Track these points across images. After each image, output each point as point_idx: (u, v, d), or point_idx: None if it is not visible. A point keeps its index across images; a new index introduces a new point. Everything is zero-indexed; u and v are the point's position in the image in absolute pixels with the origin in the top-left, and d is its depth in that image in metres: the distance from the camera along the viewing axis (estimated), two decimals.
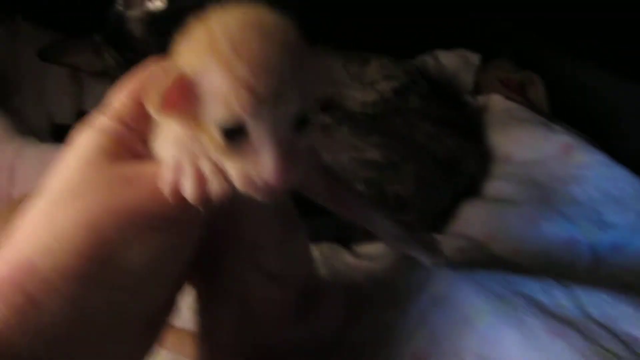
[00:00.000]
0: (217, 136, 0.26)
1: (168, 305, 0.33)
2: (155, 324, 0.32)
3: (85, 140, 0.28)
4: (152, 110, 0.25)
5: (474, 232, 0.65)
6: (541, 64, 0.92)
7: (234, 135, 0.25)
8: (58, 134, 0.89)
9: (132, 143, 0.28)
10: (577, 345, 0.38)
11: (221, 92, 0.25)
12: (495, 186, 0.73)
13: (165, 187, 0.26)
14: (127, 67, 0.79)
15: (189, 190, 0.26)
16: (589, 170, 0.67)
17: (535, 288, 0.46)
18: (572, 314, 0.41)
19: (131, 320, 0.28)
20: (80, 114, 0.93)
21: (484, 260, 0.60)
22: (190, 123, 0.26)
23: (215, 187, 0.26)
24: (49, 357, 0.24)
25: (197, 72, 0.26)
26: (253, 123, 0.25)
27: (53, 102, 0.93)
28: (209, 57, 0.25)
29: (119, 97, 0.29)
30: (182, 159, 0.27)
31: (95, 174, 0.27)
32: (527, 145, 0.75)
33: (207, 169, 0.26)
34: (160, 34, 0.79)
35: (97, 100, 0.93)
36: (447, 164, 0.69)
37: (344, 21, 0.99)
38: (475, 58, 1.01)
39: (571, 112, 0.83)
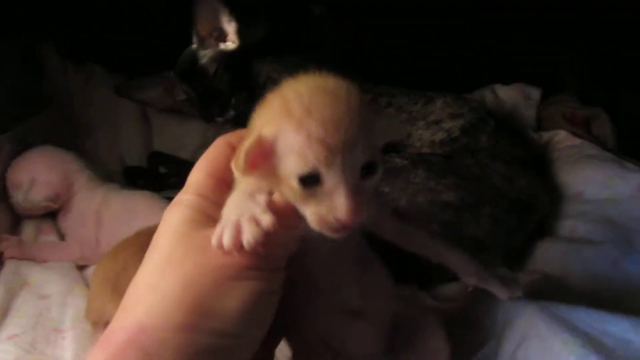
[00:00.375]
0: (295, 186, 0.30)
1: (266, 354, 0.37)
2: None
3: (174, 215, 0.33)
4: (237, 170, 0.30)
5: (551, 271, 0.64)
6: (606, 100, 0.91)
7: (310, 184, 0.30)
8: (129, 176, 0.93)
9: (212, 211, 0.32)
10: None
11: (298, 147, 0.29)
12: (568, 225, 0.72)
13: (214, 242, 0.30)
14: (198, 101, 0.84)
15: (225, 239, 0.29)
16: None
17: (625, 326, 0.45)
18: None
19: None
20: (150, 156, 0.96)
21: (563, 296, 0.59)
22: (270, 179, 0.31)
23: (247, 234, 0.29)
24: None
25: (274, 133, 0.30)
26: (327, 171, 0.29)
27: (124, 144, 0.97)
28: (285, 118, 0.30)
29: (197, 175, 0.34)
30: (232, 215, 0.30)
31: (186, 242, 0.31)
32: (600, 183, 0.75)
33: (245, 220, 0.29)
34: (231, 71, 0.83)
35: (165, 141, 0.98)
36: (521, 204, 0.69)
37: (402, 57, 1.02)
38: (536, 93, 1.01)
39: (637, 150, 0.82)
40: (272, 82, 0.84)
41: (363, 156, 0.30)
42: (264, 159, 0.30)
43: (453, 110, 0.80)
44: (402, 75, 0.91)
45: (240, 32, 0.84)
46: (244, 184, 0.33)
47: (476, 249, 0.64)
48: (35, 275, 0.64)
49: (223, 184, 0.33)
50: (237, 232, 0.29)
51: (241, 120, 0.83)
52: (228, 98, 0.83)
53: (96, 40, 1.02)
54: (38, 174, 0.73)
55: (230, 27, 0.84)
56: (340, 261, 0.38)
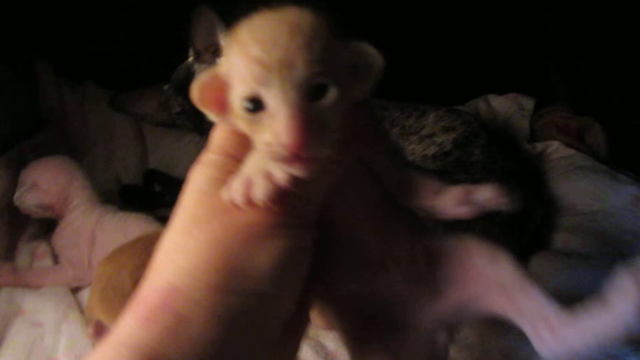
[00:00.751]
0: (241, 112, 0.28)
1: (301, 315, 0.36)
2: (291, 332, 0.34)
3: (198, 175, 0.32)
4: (198, 106, 0.30)
5: (545, 287, 0.65)
6: (600, 110, 0.91)
7: (254, 109, 0.28)
8: (125, 195, 0.93)
9: (237, 170, 0.31)
10: None
11: (239, 70, 0.28)
12: (561, 238, 0.72)
13: (224, 195, 0.29)
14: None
15: (237, 194, 0.29)
16: None
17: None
18: None
19: (269, 325, 0.31)
20: (146, 174, 0.97)
21: None
22: (228, 113, 0.30)
23: (258, 190, 0.28)
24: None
25: (228, 65, 0.29)
26: (265, 92, 0.28)
27: (120, 163, 0.97)
28: (234, 46, 0.29)
29: (221, 133, 0.33)
30: (253, 173, 0.29)
31: (212, 202, 0.30)
32: (593, 195, 0.75)
33: (257, 176, 0.29)
34: None
35: (161, 157, 0.98)
36: (514, 218, 0.69)
37: (395, 68, 1.02)
38: (529, 103, 1.01)
39: (633, 160, 0.82)
40: None
41: (308, 75, 0.28)
42: (223, 92, 0.30)
43: (445, 124, 0.80)
44: (395, 87, 0.91)
45: None
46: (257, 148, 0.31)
47: None
48: (30, 302, 0.64)
49: (247, 141, 0.31)
50: (248, 186, 0.28)
51: None
52: None
53: (91, 57, 1.03)
54: (41, 179, 0.74)
55: (225, 40, 0.85)
56: (353, 208, 0.37)
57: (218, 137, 0.33)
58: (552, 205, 0.79)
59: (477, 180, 0.71)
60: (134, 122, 1.01)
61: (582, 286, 0.63)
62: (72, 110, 0.97)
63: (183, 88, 0.85)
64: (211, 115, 0.31)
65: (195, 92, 0.30)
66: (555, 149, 0.88)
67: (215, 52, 0.86)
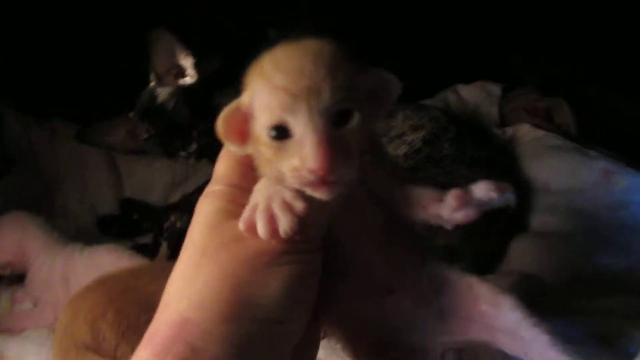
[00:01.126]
0: (267, 140, 0.29)
1: (312, 337, 0.37)
2: (302, 353, 0.35)
3: (206, 207, 0.32)
4: (222, 139, 0.31)
5: (526, 268, 0.65)
6: (566, 89, 0.92)
7: (280, 136, 0.29)
8: (103, 225, 0.93)
9: (244, 200, 0.31)
10: None
11: (265, 100, 0.29)
12: (538, 219, 0.73)
13: (242, 227, 0.29)
14: (160, 138, 0.84)
15: (260, 228, 0.29)
16: (633, 195, 0.67)
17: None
18: None
19: (281, 349, 0.31)
20: (122, 203, 0.96)
21: (542, 294, 0.59)
22: (248, 144, 0.31)
23: (283, 223, 0.28)
24: None
25: (250, 96, 0.30)
26: (293, 119, 0.28)
27: (95, 194, 0.96)
28: (257, 77, 0.30)
29: (224, 163, 0.34)
30: (259, 201, 0.30)
31: (220, 233, 0.31)
32: (565, 174, 0.75)
33: (277, 207, 0.29)
34: (190, 105, 0.84)
35: (135, 184, 0.98)
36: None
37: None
38: (496, 89, 1.02)
39: (600, 136, 0.83)
40: None
41: (334, 102, 0.29)
42: (245, 123, 0.31)
43: (414, 122, 0.80)
44: None
45: (197, 66, 0.85)
46: (264, 168, 0.31)
47: (451, 259, 0.65)
48: (12, 348, 0.63)
49: (252, 170, 0.32)
50: (271, 219, 0.29)
51: (205, 153, 0.84)
52: (189, 131, 0.83)
53: (55, 93, 1.02)
54: None
55: (187, 63, 0.85)
56: (358, 230, 0.37)
57: (222, 168, 0.34)
58: (526, 187, 0.79)
59: (448, 173, 0.71)
60: (105, 153, 1.00)
61: (562, 265, 0.64)
62: (41, 147, 0.97)
63: (148, 113, 0.85)
64: (232, 147, 0.32)
65: (220, 125, 0.31)
66: (525, 132, 0.88)
67: (177, 74, 0.85)
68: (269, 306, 0.29)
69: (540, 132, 0.86)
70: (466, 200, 0.34)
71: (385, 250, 0.38)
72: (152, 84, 0.86)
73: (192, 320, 0.28)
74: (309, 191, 0.29)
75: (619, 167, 0.71)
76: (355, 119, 0.29)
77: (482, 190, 0.34)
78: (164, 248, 0.80)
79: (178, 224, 0.80)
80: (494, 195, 0.34)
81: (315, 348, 0.38)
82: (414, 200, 0.36)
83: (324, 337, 0.55)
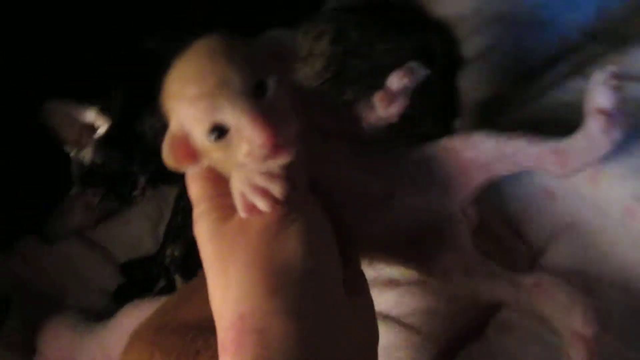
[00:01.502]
0: (213, 145, 0.32)
1: (353, 272, 0.40)
2: (353, 288, 0.37)
3: (201, 227, 0.35)
4: (175, 167, 0.33)
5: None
6: None
7: (221, 135, 0.31)
8: (120, 297, 0.91)
9: (226, 202, 0.35)
10: None
11: (190, 116, 0.32)
12: (471, 46, 0.73)
13: (243, 213, 0.33)
14: (109, 192, 0.83)
15: (262, 206, 0.32)
16: None
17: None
18: None
19: (330, 293, 0.34)
20: (123, 268, 0.95)
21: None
22: (199, 159, 0.33)
23: (276, 190, 0.32)
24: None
25: (177, 119, 0.33)
26: (221, 116, 0.31)
27: (95, 282, 0.95)
28: (172, 101, 0.33)
29: (194, 185, 0.37)
30: (244, 188, 0.33)
31: (224, 235, 0.34)
32: None
33: (261, 182, 0.32)
34: (117, 148, 0.84)
35: (124, 250, 0.95)
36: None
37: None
38: None
39: None
40: (159, 131, 0.83)
41: (244, 82, 0.31)
42: (187, 144, 0.33)
43: (314, 33, 0.80)
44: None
45: (103, 111, 0.83)
46: (228, 167, 0.34)
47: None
48: None
49: (217, 178, 0.35)
50: (264, 192, 0.32)
51: (157, 179, 0.85)
52: (131, 171, 0.83)
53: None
54: None
55: (91, 116, 0.83)
56: (338, 167, 0.41)
57: (195, 190, 0.37)
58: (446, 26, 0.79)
59: (367, 56, 0.71)
60: (84, 238, 0.99)
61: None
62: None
63: (86, 180, 0.84)
64: (187, 169, 0.34)
65: (167, 158, 0.33)
66: None
67: (89, 131, 0.84)
68: (297, 263, 0.32)
69: None
70: (388, 97, 0.38)
71: (366, 167, 0.41)
72: (73, 153, 0.84)
73: (245, 313, 0.31)
74: (271, 163, 0.32)
75: None
76: (271, 85, 0.32)
77: (394, 81, 0.38)
78: (178, 280, 0.81)
79: (176, 253, 0.81)
80: (406, 80, 0.38)
81: (362, 280, 0.40)
82: (358, 117, 0.41)
83: None
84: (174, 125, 0.33)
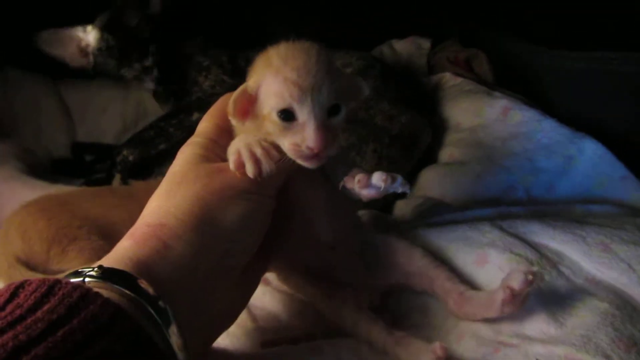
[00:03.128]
0: (275, 119, 0.39)
1: (256, 270, 0.46)
2: (247, 280, 0.44)
3: (186, 151, 0.42)
4: (231, 116, 0.40)
5: (431, 193, 0.75)
6: (483, 42, 1.02)
7: (286, 118, 0.38)
8: (57, 168, 0.98)
9: (217, 151, 0.42)
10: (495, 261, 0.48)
11: (276, 89, 0.38)
12: (447, 152, 0.82)
13: (231, 165, 0.39)
14: (118, 47, 0.88)
15: (249, 168, 0.38)
16: (524, 127, 0.77)
17: (465, 227, 0.56)
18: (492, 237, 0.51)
19: (231, 267, 0.40)
20: (73, 147, 1.02)
21: (440, 212, 0.69)
22: (257, 123, 0.40)
23: (265, 165, 0.38)
24: (177, 283, 0.36)
25: (257, 82, 0.40)
26: (299, 107, 0.38)
27: (48, 138, 1.02)
28: (266, 68, 0.40)
29: (205, 123, 0.44)
30: (242, 148, 0.39)
31: (197, 169, 0.40)
32: (473, 113, 0.85)
33: (259, 153, 0.38)
34: (151, 24, 0.91)
35: (88, 131, 1.02)
36: (402, 138, 0.79)
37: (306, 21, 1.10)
38: (426, 43, 1.11)
39: (510, 79, 0.93)
40: (197, 66, 0.92)
41: (329, 99, 0.39)
42: (250, 105, 0.40)
43: (343, 61, 0.88)
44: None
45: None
46: (242, 133, 0.42)
47: None
48: None
49: (225, 131, 0.43)
50: (257, 162, 0.38)
51: (164, 80, 0.92)
52: (146, 45, 0.89)
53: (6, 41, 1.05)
54: None
55: (82, 33, 0.90)
56: (314, 199, 0.46)
57: (203, 126, 0.44)
58: (442, 127, 0.89)
59: (369, 108, 0.80)
60: (59, 100, 1.05)
61: (460, 184, 0.74)
62: None
63: (110, 25, 0.89)
64: (234, 122, 0.41)
65: (231, 104, 0.40)
66: (447, 79, 0.98)
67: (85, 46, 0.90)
68: (226, 226, 0.38)
69: (458, 79, 0.96)
70: (365, 183, 0.42)
71: (329, 215, 0.47)
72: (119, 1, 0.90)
73: (167, 225, 0.37)
74: (301, 161, 0.39)
75: (517, 104, 0.81)
76: (342, 112, 0.41)
77: (376, 178, 0.42)
78: (117, 179, 0.87)
79: (130, 157, 0.87)
80: (382, 183, 0.41)
81: (256, 283, 0.47)
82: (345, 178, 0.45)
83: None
84: (251, 84, 0.40)
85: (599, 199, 0.65)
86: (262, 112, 0.40)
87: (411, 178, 0.80)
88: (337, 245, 0.49)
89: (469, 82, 0.93)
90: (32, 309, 0.29)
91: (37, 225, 0.56)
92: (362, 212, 0.66)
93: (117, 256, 0.36)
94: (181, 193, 0.38)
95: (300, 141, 0.38)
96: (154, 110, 1.03)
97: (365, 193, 0.42)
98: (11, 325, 0.28)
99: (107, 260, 0.35)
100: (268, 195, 0.42)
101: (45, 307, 0.29)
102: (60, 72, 1.05)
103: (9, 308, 0.29)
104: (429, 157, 0.84)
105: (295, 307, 0.54)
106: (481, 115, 0.84)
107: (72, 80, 1.06)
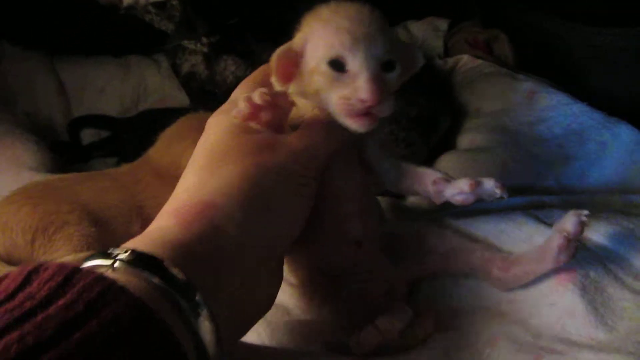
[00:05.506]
0: (324, 69, 0.35)
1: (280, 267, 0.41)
2: (281, 267, 0.40)
3: (223, 120, 0.38)
4: (274, 80, 0.37)
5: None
6: (507, 22, 0.96)
7: (336, 68, 0.35)
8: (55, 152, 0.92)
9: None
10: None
11: (325, 38, 0.35)
12: (467, 138, 0.77)
13: (233, 112, 0.36)
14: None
15: (243, 109, 0.35)
16: (552, 111, 0.71)
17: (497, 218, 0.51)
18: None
19: (276, 253, 0.37)
20: (70, 125, 0.96)
21: None
22: (300, 83, 0.37)
23: (256, 97, 0.34)
24: (223, 272, 0.32)
25: (303, 38, 0.37)
26: (351, 56, 0.35)
27: (44, 118, 0.96)
28: (314, 21, 0.37)
29: (240, 89, 0.41)
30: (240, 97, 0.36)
31: (240, 142, 0.36)
32: (495, 97, 0.79)
33: (258, 99, 0.35)
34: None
35: (84, 112, 0.96)
36: (421, 121, 0.73)
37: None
38: (443, 24, 1.05)
39: (536, 61, 0.87)
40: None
41: (384, 52, 0.35)
42: (294, 67, 0.37)
43: None
44: None
45: None
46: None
47: None
48: None
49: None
50: (255, 107, 0.35)
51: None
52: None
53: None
54: None
55: None
56: (349, 186, 0.42)
57: (239, 93, 0.40)
58: (461, 111, 0.83)
59: None
60: (55, 79, 0.99)
61: (485, 171, 0.68)
62: None
63: None
64: (275, 81, 0.37)
65: (273, 60, 0.36)
66: (465, 62, 0.92)
67: None
68: (277, 208, 0.35)
69: (478, 62, 0.90)
70: (475, 189, 0.39)
71: (361, 209, 0.43)
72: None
73: (217, 204, 0.33)
74: (348, 121, 0.35)
75: (543, 87, 0.75)
76: (397, 70, 0.36)
77: (490, 185, 0.39)
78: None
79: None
80: (498, 192, 0.39)
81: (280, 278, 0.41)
82: (411, 175, 0.42)
83: None
84: (297, 40, 0.37)
85: (637, 189, 0.59)
86: (309, 68, 0.36)
87: (428, 165, 0.74)
88: (364, 241, 0.44)
89: (490, 64, 0.87)
90: (45, 303, 0.23)
91: (20, 213, 0.51)
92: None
93: (155, 237, 0.31)
94: (228, 168, 0.34)
95: (351, 93, 0.34)
96: (156, 89, 0.98)
97: (462, 199, 0.40)
98: (19, 321, 0.22)
99: (143, 241, 0.30)
100: (313, 177, 0.38)
101: (61, 302, 0.23)
102: (57, 47, 1.01)
103: (18, 298, 0.24)
104: (445, 144, 0.79)
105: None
106: (504, 100, 0.78)
107: (69, 58, 1.01)
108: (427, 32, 1.06)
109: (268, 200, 0.35)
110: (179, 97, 0.96)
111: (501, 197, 0.39)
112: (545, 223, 0.46)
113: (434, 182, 0.41)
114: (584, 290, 0.40)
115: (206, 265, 0.30)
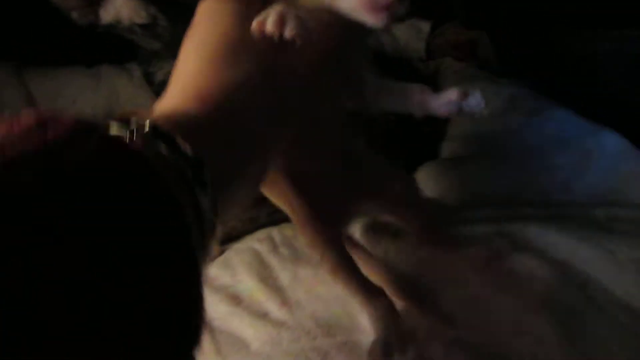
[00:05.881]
0: None
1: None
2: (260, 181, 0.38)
3: (225, 6, 0.35)
4: None
5: (429, 193, 0.67)
6: (488, 23, 0.93)
7: None
8: None
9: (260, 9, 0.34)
10: None
11: None
12: (448, 146, 0.74)
13: (253, 24, 0.33)
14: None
15: (269, 25, 0.32)
16: (534, 117, 0.68)
17: None
18: None
19: (284, 134, 0.36)
20: None
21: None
22: None
23: (291, 25, 0.32)
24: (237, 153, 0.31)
25: None
26: None
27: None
28: None
29: None
30: (287, 13, 0.33)
31: (248, 34, 0.33)
32: None
33: (289, 15, 0.33)
34: None
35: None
36: (400, 130, 0.71)
37: None
38: (426, 26, 1.02)
39: (519, 63, 0.84)
40: None
41: None
42: None
43: None
44: None
45: None
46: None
47: None
48: None
49: None
50: (281, 21, 0.32)
51: None
52: None
53: None
54: None
55: None
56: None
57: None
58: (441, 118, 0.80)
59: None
60: (24, 91, 0.96)
61: (464, 183, 0.65)
62: None
63: None
64: None
65: None
66: (448, 65, 0.89)
67: None
68: (294, 99, 0.34)
69: (461, 64, 0.87)
70: (464, 99, 0.39)
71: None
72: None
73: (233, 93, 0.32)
74: (363, 15, 0.34)
75: (524, 93, 0.72)
76: None
77: (477, 97, 0.39)
78: None
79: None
80: (482, 104, 0.39)
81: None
82: (394, 89, 0.42)
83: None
84: None
85: (623, 201, 0.56)
86: None
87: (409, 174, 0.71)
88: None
89: (471, 67, 0.84)
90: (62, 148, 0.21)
91: None
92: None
93: (173, 118, 0.30)
94: (245, 59, 0.33)
95: None
96: (129, 99, 0.95)
97: (445, 110, 0.39)
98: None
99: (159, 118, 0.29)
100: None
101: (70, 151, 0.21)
102: (26, 58, 0.97)
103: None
104: (428, 151, 0.76)
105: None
106: (486, 105, 0.75)
107: (38, 69, 0.97)
108: (409, 34, 1.03)
109: (284, 91, 0.34)
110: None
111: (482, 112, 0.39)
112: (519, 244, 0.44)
113: (421, 92, 0.41)
114: (563, 322, 0.37)
115: (219, 150, 0.30)
